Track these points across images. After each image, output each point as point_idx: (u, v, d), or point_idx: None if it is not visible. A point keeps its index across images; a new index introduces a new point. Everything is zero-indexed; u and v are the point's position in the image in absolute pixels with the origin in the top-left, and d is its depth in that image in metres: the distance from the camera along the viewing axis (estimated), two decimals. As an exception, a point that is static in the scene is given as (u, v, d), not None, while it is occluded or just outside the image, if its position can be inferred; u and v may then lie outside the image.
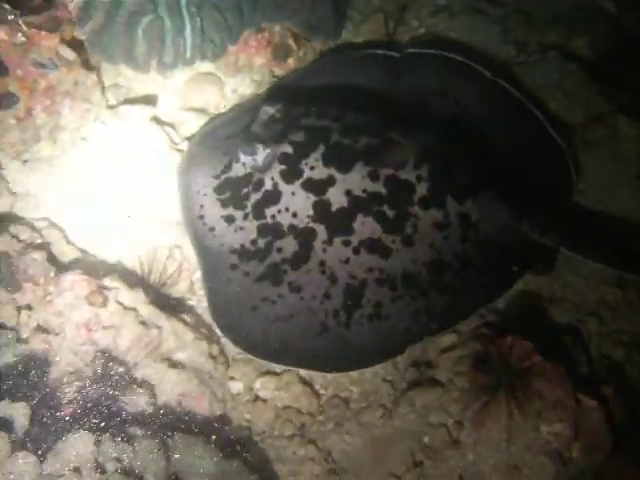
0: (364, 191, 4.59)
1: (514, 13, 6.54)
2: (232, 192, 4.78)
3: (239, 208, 4.72)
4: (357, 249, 4.52)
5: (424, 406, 4.38)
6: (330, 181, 4.63)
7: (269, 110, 4.91)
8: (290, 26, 5.83)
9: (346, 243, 4.54)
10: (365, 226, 4.54)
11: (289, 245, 4.59)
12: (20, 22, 5.05)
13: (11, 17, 5.01)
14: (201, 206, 4.77)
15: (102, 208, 5.08)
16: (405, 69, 5.53)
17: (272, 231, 4.63)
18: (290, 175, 4.69)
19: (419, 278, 4.48)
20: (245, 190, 4.75)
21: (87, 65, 5.51)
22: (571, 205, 5.06)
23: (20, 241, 4.53)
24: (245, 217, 4.68)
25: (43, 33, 5.10)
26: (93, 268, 4.64)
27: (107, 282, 4.45)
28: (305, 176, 4.67)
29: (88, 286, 4.35)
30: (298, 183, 4.66)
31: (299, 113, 4.95)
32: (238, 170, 4.80)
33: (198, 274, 4.92)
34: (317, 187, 4.63)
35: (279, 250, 4.58)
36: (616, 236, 5.04)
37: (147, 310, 4.42)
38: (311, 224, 4.60)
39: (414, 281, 4.47)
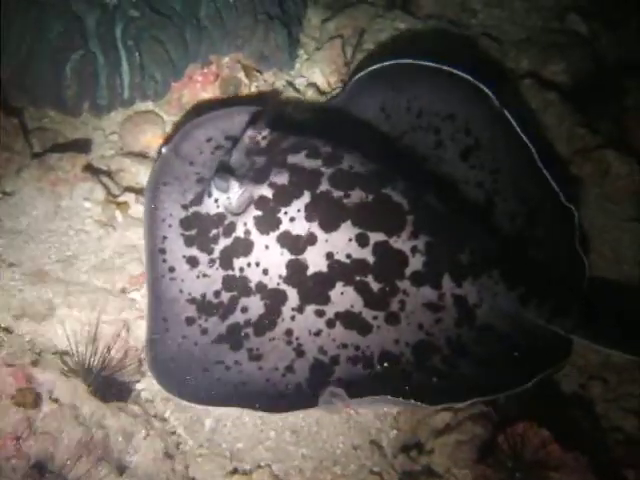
0: (348, 256, 3.97)
1: (482, 37, 6.01)
2: (199, 230, 4.24)
3: (205, 251, 4.17)
4: (332, 322, 3.90)
5: (421, 505, 3.77)
6: (310, 239, 4.01)
7: (254, 134, 4.34)
8: (241, 57, 5.21)
9: (320, 313, 3.92)
10: (344, 297, 3.92)
11: (255, 306, 3.99)
12: None
13: None
14: (164, 238, 4.22)
15: (29, 275, 4.37)
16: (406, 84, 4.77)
17: (238, 285, 4.05)
18: (265, 224, 4.09)
19: (402, 359, 3.84)
20: (214, 231, 4.21)
21: (6, 106, 4.81)
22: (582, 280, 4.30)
23: None
24: (211, 263, 4.14)
25: (-48, 74, 4.38)
26: (21, 353, 3.92)
27: (38, 373, 3.74)
28: (282, 228, 4.06)
29: (15, 381, 3.65)
30: (274, 235, 4.06)
31: (288, 146, 4.32)
32: (209, 206, 4.24)
33: (147, 351, 4.26)
34: (295, 244, 4.02)
35: (243, 310, 3.99)
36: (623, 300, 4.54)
37: (89, 406, 3.75)
38: (282, 286, 4.00)
39: (395, 362, 3.83)
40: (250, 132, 4.36)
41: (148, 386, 4.20)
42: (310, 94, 5.70)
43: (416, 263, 3.98)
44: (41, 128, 5.06)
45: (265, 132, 4.37)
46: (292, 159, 4.24)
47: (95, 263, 4.49)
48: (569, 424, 4.03)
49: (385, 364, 3.82)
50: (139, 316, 4.31)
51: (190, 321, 3.99)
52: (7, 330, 4.14)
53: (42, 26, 4.44)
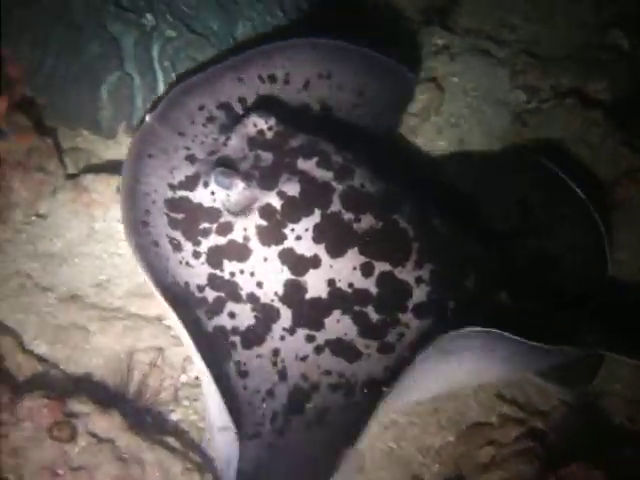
0: (350, 285, 3.80)
1: (522, 54, 5.89)
2: (187, 217, 3.92)
3: (190, 240, 3.87)
4: (321, 348, 3.74)
5: None
6: (314, 262, 3.81)
7: (259, 123, 4.06)
8: (278, 76, 5.10)
9: (310, 339, 3.75)
10: (339, 325, 3.77)
11: (245, 315, 3.78)
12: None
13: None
14: (147, 211, 3.87)
15: (63, 300, 4.32)
16: None
17: (226, 288, 3.81)
18: (269, 235, 3.84)
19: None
20: (205, 225, 3.91)
21: (41, 127, 4.74)
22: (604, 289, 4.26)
23: (-37, 355, 3.75)
24: (196, 255, 3.85)
25: (-12, 95, 4.32)
26: (56, 385, 3.84)
27: (75, 406, 3.62)
28: (286, 244, 3.84)
29: (51, 414, 3.52)
30: (275, 249, 3.83)
31: (297, 147, 4.06)
32: (203, 197, 3.94)
33: (183, 379, 4.19)
34: (297, 264, 3.82)
35: (231, 315, 3.77)
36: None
37: (126, 440, 3.60)
38: (276, 303, 3.81)
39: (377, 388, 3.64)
40: (254, 118, 4.07)
41: (184, 416, 4.12)
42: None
43: (420, 294, 3.85)
44: (74, 148, 4.96)
45: (272, 121, 4.07)
46: (303, 165, 3.99)
47: (129, 288, 4.42)
48: (617, 460, 3.90)
49: (365, 390, 3.66)
50: (174, 343, 4.23)
51: None
52: (41, 358, 4.07)
53: (78, 48, 4.37)
